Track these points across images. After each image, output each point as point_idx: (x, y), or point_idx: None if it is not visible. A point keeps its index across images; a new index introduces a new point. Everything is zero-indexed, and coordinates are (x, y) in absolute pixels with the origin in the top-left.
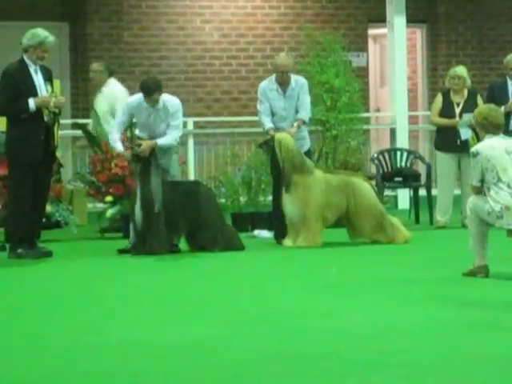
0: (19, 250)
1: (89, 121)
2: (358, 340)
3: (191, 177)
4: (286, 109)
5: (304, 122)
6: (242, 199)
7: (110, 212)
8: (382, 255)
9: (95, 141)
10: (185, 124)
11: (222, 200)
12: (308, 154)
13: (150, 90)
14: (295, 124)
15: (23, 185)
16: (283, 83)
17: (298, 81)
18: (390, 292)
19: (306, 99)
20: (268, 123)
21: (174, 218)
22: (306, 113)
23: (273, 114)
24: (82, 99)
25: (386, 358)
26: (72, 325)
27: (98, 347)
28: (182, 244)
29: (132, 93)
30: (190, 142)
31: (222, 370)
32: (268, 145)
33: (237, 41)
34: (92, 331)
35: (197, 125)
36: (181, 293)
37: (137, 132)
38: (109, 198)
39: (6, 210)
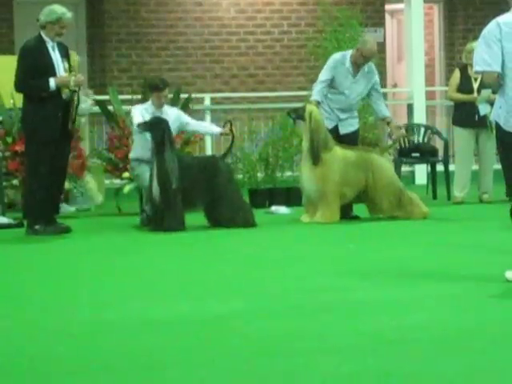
0: (37, 227)
1: (106, 97)
2: (375, 316)
3: (208, 153)
4: (350, 89)
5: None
6: (260, 175)
7: (127, 188)
8: (400, 231)
9: (112, 117)
10: (202, 100)
11: (240, 176)
12: (355, 134)
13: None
14: (392, 123)
15: (41, 161)
16: (358, 65)
17: (370, 67)
18: (406, 268)
19: (381, 97)
20: (316, 95)
21: (192, 194)
22: (387, 110)
23: (332, 88)
24: (99, 75)
25: (403, 333)
26: (91, 301)
27: (117, 324)
28: (201, 219)
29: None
30: (207, 118)
31: (242, 346)
32: (297, 113)
33: (253, 16)
34: (110, 308)
35: (214, 101)
36: (199, 269)
37: None
38: (126, 175)
39: (24, 186)
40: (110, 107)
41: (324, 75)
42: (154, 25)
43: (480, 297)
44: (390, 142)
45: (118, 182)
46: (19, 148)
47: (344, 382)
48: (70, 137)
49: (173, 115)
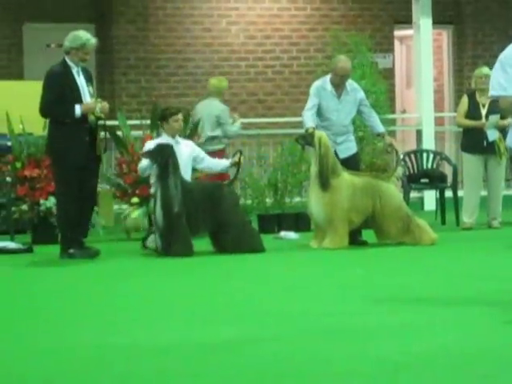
0: (71, 251)
1: (115, 122)
2: (384, 341)
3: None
4: (338, 111)
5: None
6: (268, 201)
7: (136, 213)
8: (409, 256)
9: (122, 142)
10: None
11: (249, 201)
12: (355, 157)
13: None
14: (387, 138)
15: (69, 186)
16: (339, 86)
17: (352, 85)
18: (414, 293)
19: (372, 111)
20: (309, 122)
21: (195, 219)
22: (381, 125)
23: (320, 115)
24: (109, 101)
25: (412, 358)
26: (98, 326)
27: (124, 348)
28: (207, 245)
29: (157, 95)
30: None
31: (249, 370)
32: (306, 139)
33: (263, 42)
34: (118, 332)
35: None
36: (207, 294)
37: None
38: (135, 200)
39: (56, 211)
40: (119, 132)
41: (310, 103)
42: (162, 50)
43: (488, 323)
44: (394, 166)
45: (126, 207)
46: (28, 173)
47: None
48: (98, 162)
49: (188, 146)
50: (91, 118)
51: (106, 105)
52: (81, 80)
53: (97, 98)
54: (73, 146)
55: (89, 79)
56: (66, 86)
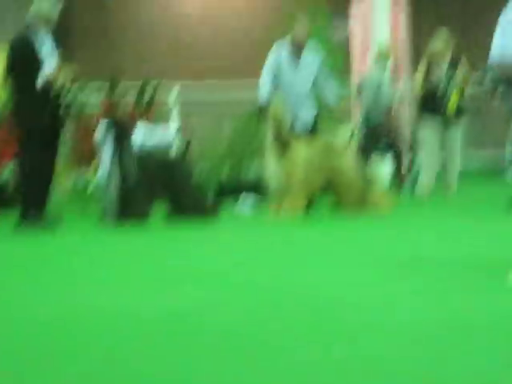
0: (29, 219)
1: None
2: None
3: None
4: (295, 80)
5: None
6: (226, 171)
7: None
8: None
9: (79, 110)
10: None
11: (206, 172)
12: (314, 124)
13: None
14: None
15: (36, 149)
16: (297, 52)
17: (310, 46)
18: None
19: (329, 80)
20: (265, 95)
21: (151, 191)
22: (335, 98)
23: (278, 84)
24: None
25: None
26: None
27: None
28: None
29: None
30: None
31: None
32: (260, 113)
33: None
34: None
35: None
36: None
37: None
38: (92, 167)
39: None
40: (78, 97)
41: (266, 75)
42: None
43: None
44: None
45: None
46: None
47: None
48: (60, 130)
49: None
50: (55, 85)
51: (70, 71)
52: (45, 46)
53: (62, 66)
54: (37, 113)
55: (55, 44)
56: (29, 54)
